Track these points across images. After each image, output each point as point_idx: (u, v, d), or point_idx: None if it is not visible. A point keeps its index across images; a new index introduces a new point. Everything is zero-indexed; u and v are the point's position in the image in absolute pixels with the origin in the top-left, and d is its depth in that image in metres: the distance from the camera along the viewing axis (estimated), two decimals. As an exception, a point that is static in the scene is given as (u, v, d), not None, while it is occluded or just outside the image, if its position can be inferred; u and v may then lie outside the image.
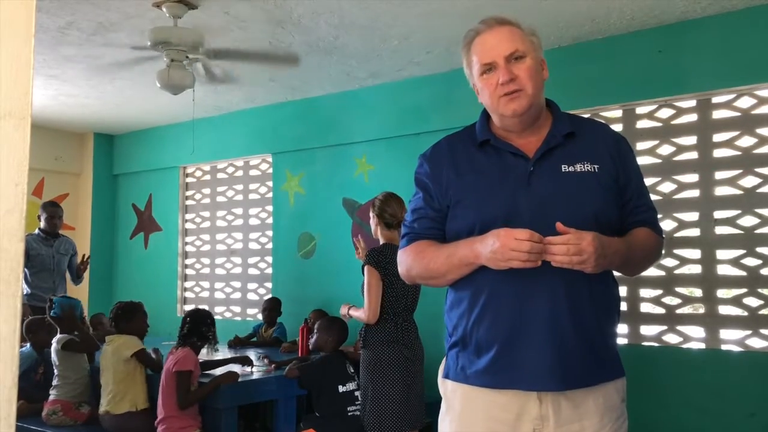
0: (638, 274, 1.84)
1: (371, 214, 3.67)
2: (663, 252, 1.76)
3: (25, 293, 5.12)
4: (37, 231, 5.36)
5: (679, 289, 3.88)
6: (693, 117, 3.88)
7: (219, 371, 3.71)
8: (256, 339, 5.19)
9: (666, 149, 3.95)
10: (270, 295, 5.51)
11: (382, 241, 3.59)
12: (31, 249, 5.20)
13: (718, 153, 3.79)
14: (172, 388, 3.37)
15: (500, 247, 1.46)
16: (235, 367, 3.82)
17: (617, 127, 3.99)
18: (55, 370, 3.92)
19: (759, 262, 3.62)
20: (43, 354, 4.19)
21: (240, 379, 3.61)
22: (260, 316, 5.34)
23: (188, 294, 6.42)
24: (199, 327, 3.57)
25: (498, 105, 1.62)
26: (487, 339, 1.58)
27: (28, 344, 4.24)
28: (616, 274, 1.70)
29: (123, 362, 3.63)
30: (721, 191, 3.77)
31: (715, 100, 3.80)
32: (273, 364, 3.95)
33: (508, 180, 1.61)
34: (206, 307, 5.94)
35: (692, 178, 3.85)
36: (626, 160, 1.68)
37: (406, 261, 1.71)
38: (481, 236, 1.53)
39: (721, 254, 3.73)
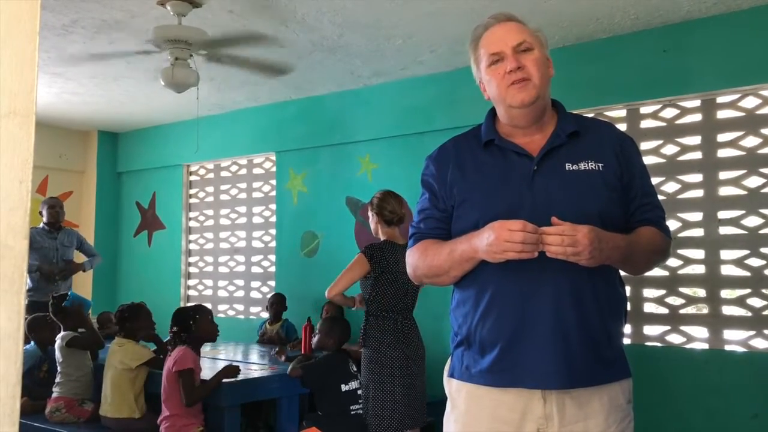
0: (643, 273, 1.83)
1: (370, 213, 3.68)
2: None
3: (28, 287, 5.15)
4: (41, 225, 5.39)
5: (682, 290, 3.87)
6: (697, 117, 3.87)
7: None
8: (262, 335, 5.23)
9: (670, 149, 3.94)
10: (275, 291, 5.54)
11: (383, 239, 3.59)
12: (34, 242, 5.23)
13: (722, 153, 3.78)
14: (173, 388, 3.37)
15: (495, 239, 1.47)
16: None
17: (621, 127, 3.97)
18: (58, 367, 3.93)
19: (763, 262, 3.61)
20: (47, 352, 4.20)
21: (242, 377, 3.62)
22: (264, 314, 5.36)
23: (191, 292, 6.43)
24: (182, 324, 3.54)
25: (506, 95, 1.62)
26: (491, 338, 1.58)
27: (32, 342, 4.25)
28: (622, 273, 1.69)
29: (127, 371, 3.64)
30: (725, 191, 3.76)
31: (720, 100, 3.79)
32: (283, 356, 4.03)
33: (511, 179, 1.61)
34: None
35: (696, 178, 3.84)
36: (631, 160, 1.68)
37: (411, 260, 1.73)
38: (479, 230, 1.54)
39: (725, 254, 3.72)
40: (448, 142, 1.78)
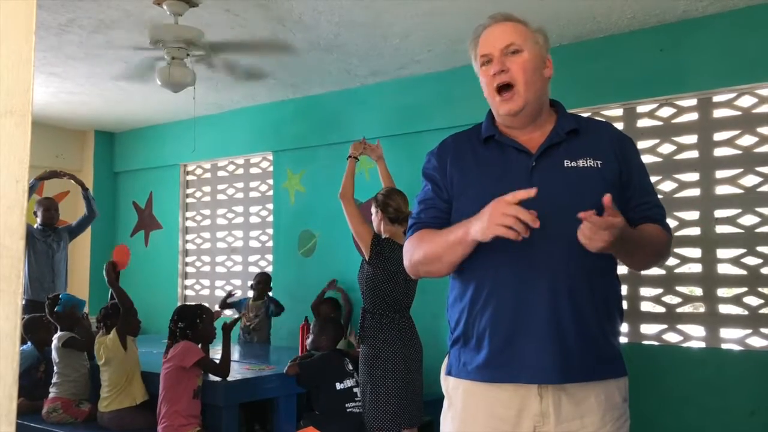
0: (646, 269, 1.85)
1: (373, 209, 3.64)
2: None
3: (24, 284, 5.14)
4: (36, 225, 5.40)
5: (679, 288, 3.88)
6: (694, 116, 3.87)
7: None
8: (243, 310, 5.30)
9: (667, 148, 3.95)
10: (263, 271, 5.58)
11: (384, 237, 3.58)
12: (31, 238, 5.23)
13: (718, 152, 3.79)
14: (174, 383, 3.35)
15: (491, 211, 1.45)
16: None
17: (618, 126, 3.98)
18: (55, 368, 3.92)
19: (759, 261, 3.62)
20: (44, 352, 4.19)
21: (240, 377, 3.64)
22: (250, 293, 5.38)
23: (189, 292, 6.42)
24: (189, 320, 3.55)
25: (493, 102, 1.66)
26: (487, 333, 1.58)
27: (29, 343, 4.25)
28: (618, 271, 1.69)
29: (119, 362, 3.64)
30: (721, 190, 3.77)
31: (716, 98, 3.80)
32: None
33: (510, 174, 1.62)
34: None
35: (693, 176, 3.85)
36: (630, 159, 1.69)
37: (409, 249, 1.73)
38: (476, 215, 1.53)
39: (722, 253, 3.73)
40: (448, 138, 1.80)
